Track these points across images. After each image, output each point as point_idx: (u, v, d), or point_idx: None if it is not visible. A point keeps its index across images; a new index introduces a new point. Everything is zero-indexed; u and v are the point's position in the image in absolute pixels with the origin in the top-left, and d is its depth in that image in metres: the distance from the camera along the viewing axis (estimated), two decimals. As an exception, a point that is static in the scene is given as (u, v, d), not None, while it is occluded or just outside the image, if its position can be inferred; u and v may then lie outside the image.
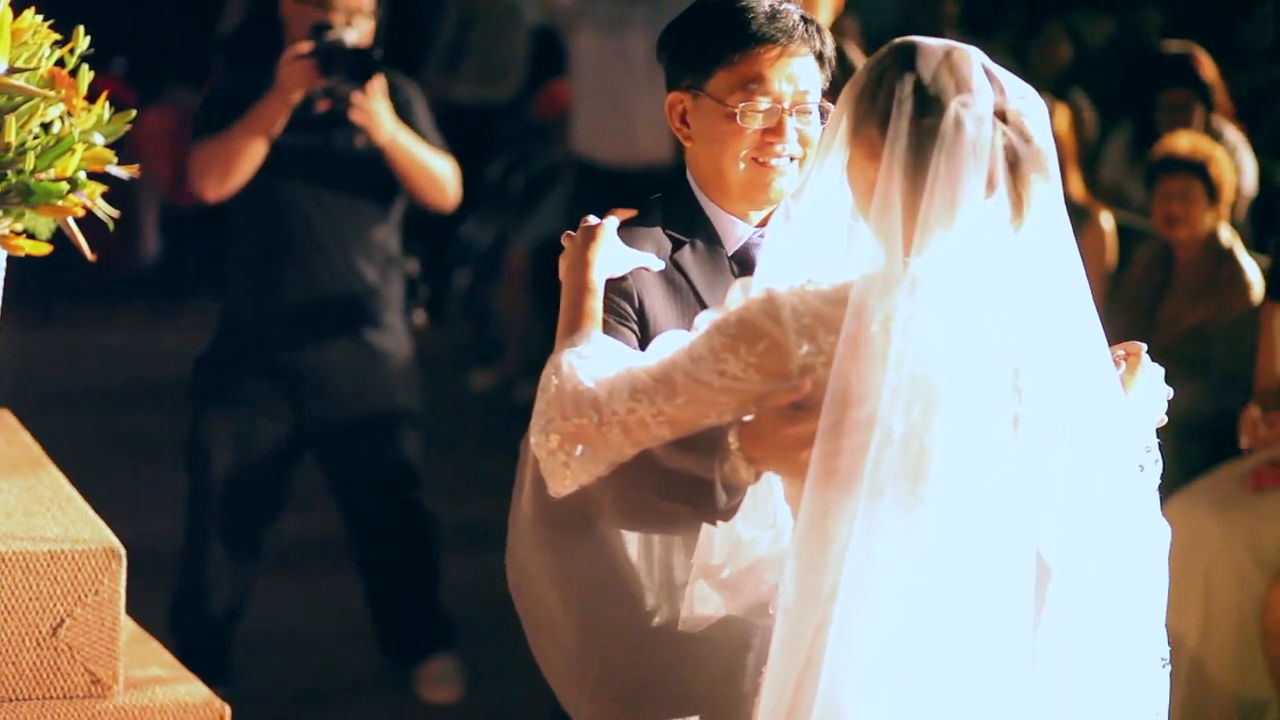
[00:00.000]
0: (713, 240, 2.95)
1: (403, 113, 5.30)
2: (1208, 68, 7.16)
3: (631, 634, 2.88)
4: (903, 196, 2.50)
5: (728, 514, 2.68)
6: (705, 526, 2.76)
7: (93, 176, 2.92)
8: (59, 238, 2.98)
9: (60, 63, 2.94)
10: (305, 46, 5.10)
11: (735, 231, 2.96)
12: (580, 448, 2.59)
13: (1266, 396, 5.17)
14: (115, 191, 2.98)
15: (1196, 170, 5.84)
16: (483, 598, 5.16)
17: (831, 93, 2.83)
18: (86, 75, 2.94)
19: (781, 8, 2.92)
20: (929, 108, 2.50)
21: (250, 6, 10.08)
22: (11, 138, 2.83)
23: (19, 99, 2.84)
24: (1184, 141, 6.04)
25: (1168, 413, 2.80)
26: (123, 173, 2.97)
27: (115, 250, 8.87)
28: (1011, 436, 2.53)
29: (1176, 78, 7.16)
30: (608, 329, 2.77)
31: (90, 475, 3.60)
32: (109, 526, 3.09)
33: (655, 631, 2.87)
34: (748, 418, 2.59)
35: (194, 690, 3.10)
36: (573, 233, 2.88)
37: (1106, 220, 6.57)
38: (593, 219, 2.88)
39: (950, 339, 2.49)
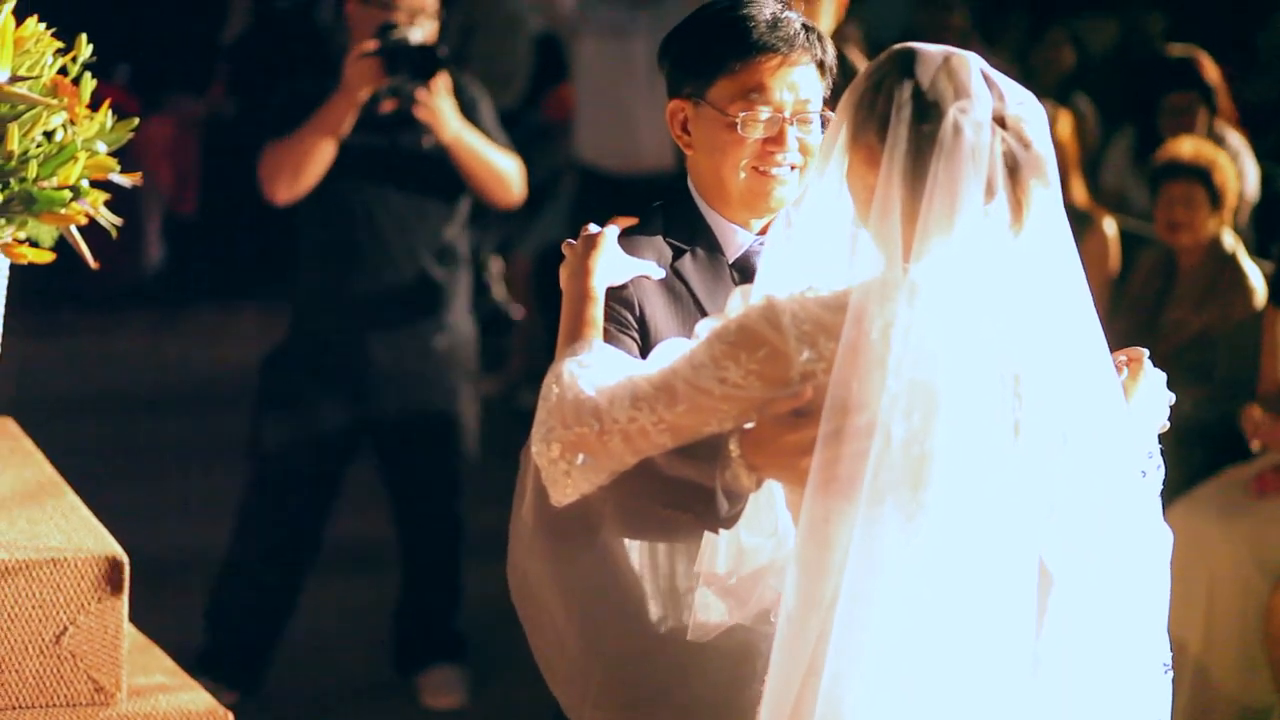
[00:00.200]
0: (714, 248, 2.95)
1: (467, 111, 5.34)
2: (1211, 71, 7.16)
3: (634, 642, 2.87)
4: (902, 202, 2.50)
5: (729, 522, 2.68)
6: (708, 534, 2.75)
7: (95, 184, 2.92)
8: (62, 246, 2.98)
9: (63, 71, 2.94)
10: (370, 45, 5.15)
11: (736, 239, 2.95)
12: (581, 456, 2.59)
13: (1270, 401, 5.18)
14: (118, 199, 2.98)
15: (1199, 176, 5.84)
16: (486, 604, 5.17)
17: (832, 100, 2.83)
18: (89, 83, 2.94)
19: (783, 16, 2.91)
20: (928, 114, 2.50)
21: (252, 15, 10.12)
22: (14, 146, 2.83)
23: (22, 107, 2.84)
24: (1187, 147, 6.04)
25: (1170, 418, 2.79)
26: (125, 181, 2.97)
27: (118, 258, 8.86)
28: (1012, 442, 2.52)
29: (1180, 81, 7.16)
30: (609, 337, 2.77)
31: (93, 483, 3.60)
32: (112, 534, 3.09)
33: (658, 639, 2.86)
34: (749, 425, 2.59)
35: (197, 698, 3.10)
36: (574, 241, 2.88)
37: (1109, 226, 6.56)
38: (594, 227, 2.88)
39: (950, 345, 2.49)
